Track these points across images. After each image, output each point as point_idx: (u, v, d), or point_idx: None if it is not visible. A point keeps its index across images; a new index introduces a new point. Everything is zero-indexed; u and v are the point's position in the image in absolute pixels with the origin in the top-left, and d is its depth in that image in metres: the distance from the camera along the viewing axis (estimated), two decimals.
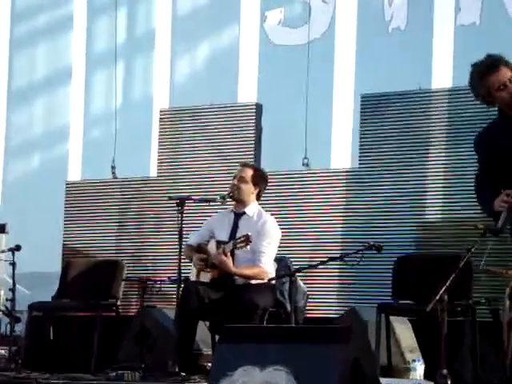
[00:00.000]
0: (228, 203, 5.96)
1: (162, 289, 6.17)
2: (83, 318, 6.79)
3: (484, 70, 4.28)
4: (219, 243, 5.69)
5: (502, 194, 4.26)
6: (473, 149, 4.54)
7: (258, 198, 5.85)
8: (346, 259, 5.28)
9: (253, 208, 5.79)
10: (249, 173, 5.80)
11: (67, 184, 8.16)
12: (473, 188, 4.52)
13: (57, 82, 8.59)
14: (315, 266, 5.54)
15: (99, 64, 8.34)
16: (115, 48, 8.14)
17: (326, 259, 5.48)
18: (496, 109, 4.44)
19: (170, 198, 5.62)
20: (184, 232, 5.53)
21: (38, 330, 6.62)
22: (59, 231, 8.03)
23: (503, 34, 6.72)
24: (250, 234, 5.42)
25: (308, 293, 5.96)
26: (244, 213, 5.79)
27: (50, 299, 6.71)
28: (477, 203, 4.45)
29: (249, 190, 5.78)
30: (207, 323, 5.93)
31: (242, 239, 5.43)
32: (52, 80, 8.60)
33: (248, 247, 5.45)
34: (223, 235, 5.75)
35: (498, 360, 4.47)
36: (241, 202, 5.79)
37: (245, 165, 5.96)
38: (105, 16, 8.31)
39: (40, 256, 7.83)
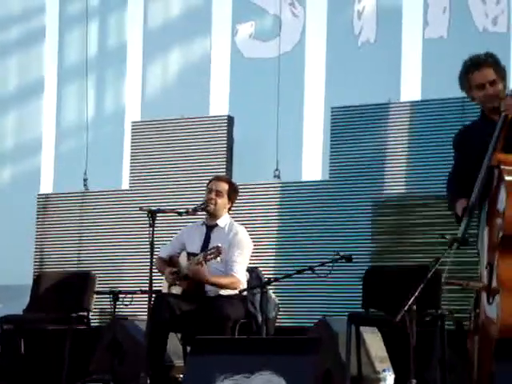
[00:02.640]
0: (198, 215, 5.98)
1: (134, 301, 6.17)
2: (54, 331, 6.77)
3: (470, 66, 4.36)
4: (190, 255, 5.71)
5: (460, 203, 4.33)
6: (445, 161, 4.61)
7: (229, 210, 5.89)
8: (317, 270, 5.31)
9: (224, 220, 5.83)
10: (225, 186, 5.83)
11: (39, 196, 8.15)
12: (445, 192, 4.59)
13: (28, 94, 8.58)
14: (286, 277, 5.57)
15: (71, 76, 8.35)
16: (86, 60, 8.15)
17: (296, 270, 5.52)
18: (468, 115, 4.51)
19: (142, 210, 5.64)
20: (155, 244, 5.54)
21: (8, 343, 6.59)
22: (31, 244, 8.01)
23: (471, 47, 6.77)
24: (220, 245, 5.45)
25: (279, 304, 5.99)
26: (216, 225, 5.82)
27: (21, 312, 6.69)
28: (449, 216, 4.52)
29: (224, 204, 5.82)
30: (179, 335, 5.95)
31: (213, 251, 5.45)
32: (24, 92, 8.59)
33: (218, 259, 5.48)
34: (195, 247, 5.77)
35: (466, 369, 4.52)
36: (213, 215, 5.82)
37: (219, 178, 5.98)
38: (76, 29, 8.33)
39: (11, 269, 7.81)
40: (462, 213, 4.30)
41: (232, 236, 5.73)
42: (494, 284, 4.15)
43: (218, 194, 5.78)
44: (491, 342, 4.09)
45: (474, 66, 4.36)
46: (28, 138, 8.53)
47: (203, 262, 5.50)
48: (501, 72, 4.40)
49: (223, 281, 5.62)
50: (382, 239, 6.92)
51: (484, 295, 4.24)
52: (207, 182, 5.96)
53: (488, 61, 4.36)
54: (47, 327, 6.59)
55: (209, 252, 5.47)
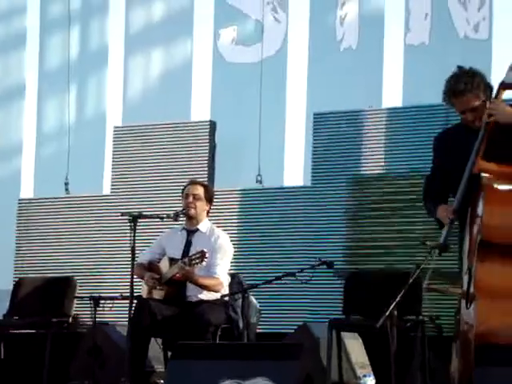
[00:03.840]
0: (180, 221, 5.97)
1: (114, 306, 6.16)
2: (35, 336, 6.74)
3: (452, 92, 4.35)
4: (172, 260, 5.70)
5: (443, 208, 4.36)
6: (427, 168, 4.64)
7: (208, 214, 5.90)
8: (298, 275, 5.32)
9: (205, 224, 5.83)
10: (201, 190, 5.84)
11: (20, 201, 8.11)
12: (421, 188, 4.62)
13: (9, 97, 8.54)
14: (267, 283, 5.58)
15: (52, 81, 8.32)
16: (68, 65, 8.13)
17: (278, 276, 5.52)
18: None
19: (123, 215, 5.62)
20: (136, 249, 5.53)
21: None
22: (11, 248, 7.97)
23: (452, 54, 6.84)
24: (205, 250, 5.44)
25: (260, 309, 5.99)
26: (197, 229, 5.82)
27: (1, 317, 6.66)
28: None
29: (203, 207, 5.82)
30: (159, 340, 5.93)
31: (198, 255, 5.44)
32: (4, 96, 8.55)
33: (204, 263, 5.47)
34: (176, 252, 5.77)
35: (447, 375, 4.53)
36: (194, 219, 5.82)
37: (194, 182, 5.99)
38: (58, 33, 8.30)
39: None
40: (445, 219, 4.33)
41: (214, 241, 5.74)
42: (472, 289, 4.17)
43: (196, 197, 5.79)
44: (470, 347, 4.10)
45: (454, 93, 4.35)
46: (9, 142, 8.49)
47: (191, 265, 5.49)
48: (482, 90, 4.35)
49: (207, 282, 5.62)
50: (363, 245, 6.93)
51: (463, 301, 4.26)
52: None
53: (467, 88, 4.32)
54: (27, 332, 6.57)
55: (193, 257, 5.46)
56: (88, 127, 8.16)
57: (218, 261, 5.66)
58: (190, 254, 5.63)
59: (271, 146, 7.42)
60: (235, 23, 7.70)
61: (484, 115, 4.28)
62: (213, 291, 5.63)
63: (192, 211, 5.77)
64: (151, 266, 5.82)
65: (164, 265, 5.76)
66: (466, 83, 4.33)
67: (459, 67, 4.42)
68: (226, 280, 5.72)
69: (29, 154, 8.38)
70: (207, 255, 5.42)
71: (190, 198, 5.80)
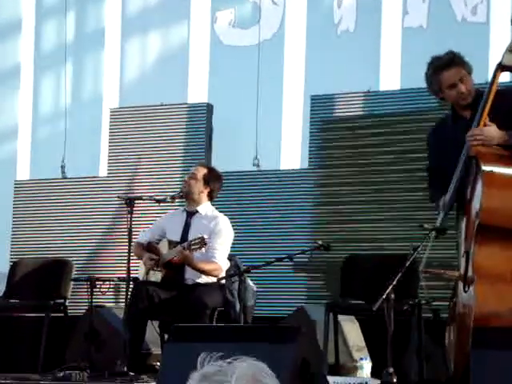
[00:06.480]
0: (179, 203, 5.97)
1: (111, 288, 6.15)
2: (31, 318, 6.74)
3: (440, 66, 4.37)
4: (171, 243, 5.69)
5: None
6: (421, 149, 4.64)
7: (211, 198, 5.86)
8: (295, 258, 5.31)
9: (205, 207, 5.81)
10: (201, 171, 5.83)
11: (16, 183, 8.09)
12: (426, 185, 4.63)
13: (5, 79, 8.51)
14: (264, 266, 5.57)
15: (48, 62, 8.29)
16: (65, 46, 8.09)
17: (275, 258, 5.52)
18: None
19: (119, 198, 5.61)
20: (133, 232, 5.53)
21: None
22: (8, 231, 7.96)
23: (450, 37, 6.81)
24: (205, 236, 5.42)
25: (257, 292, 5.99)
26: (196, 211, 5.80)
27: None
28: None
29: (198, 188, 5.79)
30: (156, 323, 5.93)
31: (197, 241, 5.42)
32: (0, 78, 8.51)
33: (203, 249, 5.46)
34: (175, 234, 5.76)
35: (443, 358, 4.54)
36: (191, 200, 5.80)
37: (199, 164, 6.02)
38: (54, 14, 8.26)
39: None
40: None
41: (214, 225, 5.72)
42: (470, 273, 4.18)
43: (193, 176, 5.79)
44: (468, 330, 4.10)
45: (443, 66, 4.35)
46: (5, 125, 8.47)
47: (189, 250, 5.48)
48: (469, 68, 4.40)
49: (206, 267, 5.61)
50: (361, 227, 6.92)
51: (461, 284, 4.26)
52: (187, 170, 5.97)
53: (455, 60, 4.36)
54: (24, 315, 6.56)
55: (193, 242, 5.44)
56: (84, 109, 8.14)
57: (218, 245, 5.65)
58: (189, 236, 5.62)
59: (268, 129, 7.40)
60: (233, 6, 7.67)
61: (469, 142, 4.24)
62: (211, 276, 5.63)
63: (183, 189, 5.79)
64: (150, 247, 5.81)
65: (163, 246, 5.76)
66: (452, 55, 4.37)
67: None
68: (224, 265, 5.71)
69: (25, 136, 8.35)
70: (207, 241, 5.41)
71: (186, 177, 5.82)
